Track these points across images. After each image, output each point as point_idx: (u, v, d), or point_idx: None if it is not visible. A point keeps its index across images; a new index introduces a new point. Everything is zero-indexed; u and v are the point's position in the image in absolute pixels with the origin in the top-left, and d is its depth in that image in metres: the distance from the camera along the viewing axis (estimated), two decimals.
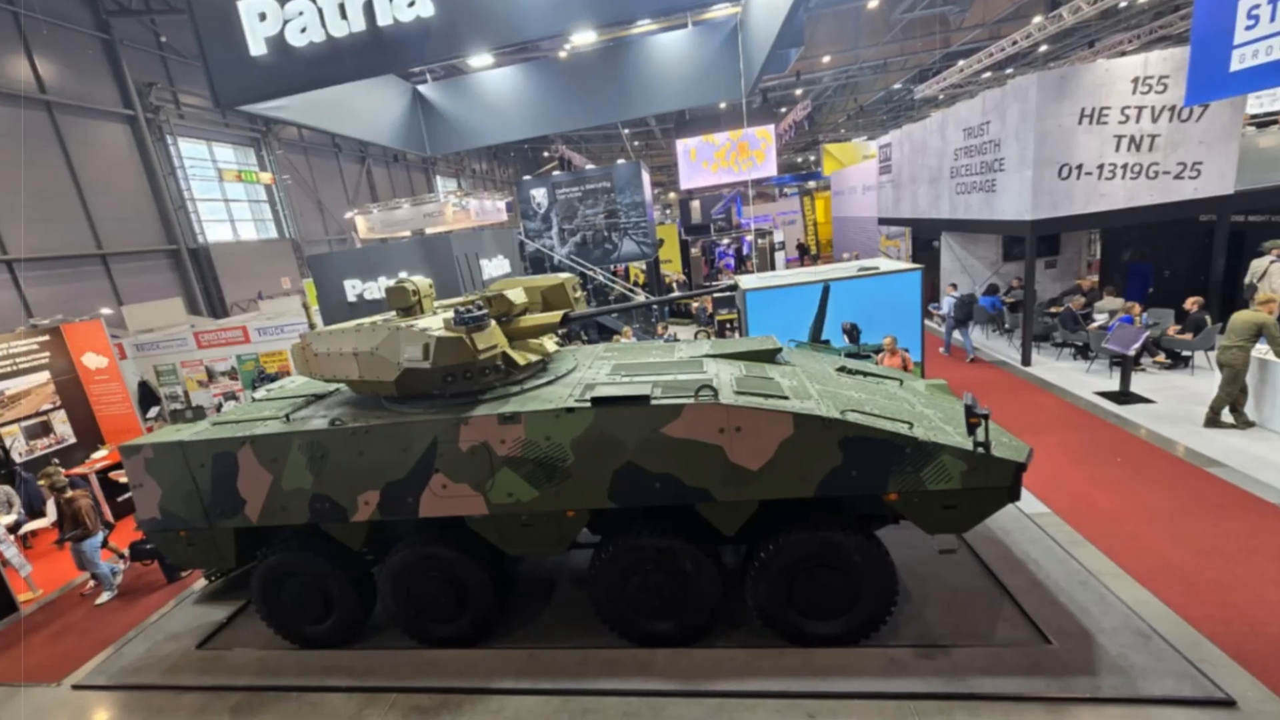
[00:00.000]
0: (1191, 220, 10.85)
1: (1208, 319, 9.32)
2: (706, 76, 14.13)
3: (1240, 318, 7.25)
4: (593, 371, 5.11)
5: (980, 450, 3.88)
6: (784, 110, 31.68)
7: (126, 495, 8.73)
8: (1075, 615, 4.46)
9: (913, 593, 4.96)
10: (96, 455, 9.64)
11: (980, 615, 4.64)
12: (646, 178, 19.40)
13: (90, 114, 16.92)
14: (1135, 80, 9.46)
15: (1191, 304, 9.43)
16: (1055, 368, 10.82)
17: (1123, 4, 18.72)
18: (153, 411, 11.70)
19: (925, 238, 16.60)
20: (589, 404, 4.23)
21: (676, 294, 17.88)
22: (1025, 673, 3.98)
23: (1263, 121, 13.15)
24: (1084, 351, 10.85)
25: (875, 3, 20.33)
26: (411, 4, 8.82)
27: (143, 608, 6.51)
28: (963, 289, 12.97)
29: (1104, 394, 9.12)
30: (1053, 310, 11.98)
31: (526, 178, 21.05)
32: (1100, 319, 10.43)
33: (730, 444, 4.09)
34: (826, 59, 24.62)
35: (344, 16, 8.96)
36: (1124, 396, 8.87)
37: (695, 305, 17.10)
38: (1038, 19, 18.02)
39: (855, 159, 26.56)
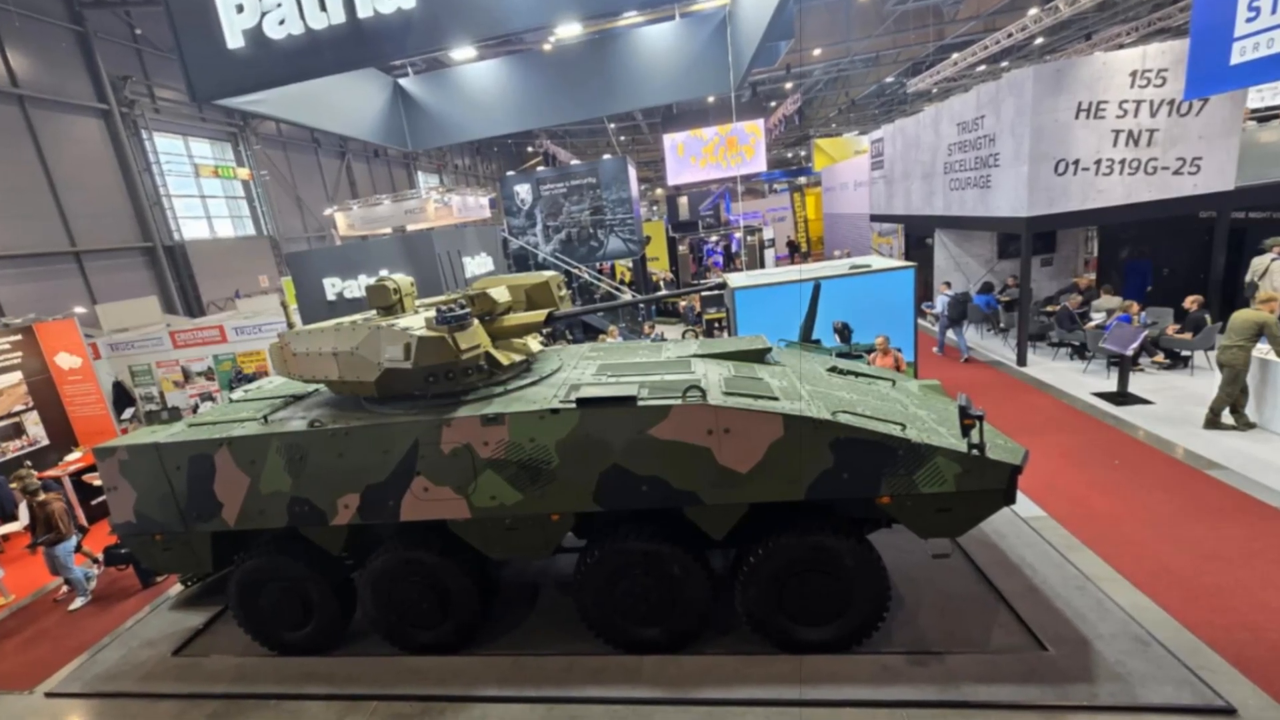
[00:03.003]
0: (1191, 217, 10.82)
1: (1207, 318, 9.26)
2: (694, 70, 13.96)
3: (1241, 317, 7.19)
4: (578, 372, 5.05)
5: (975, 452, 3.82)
6: (774, 104, 31.55)
7: (101, 498, 8.57)
8: (1072, 621, 4.40)
9: (906, 598, 4.90)
10: (70, 457, 9.54)
11: (975, 621, 4.58)
12: (633, 173, 19.25)
13: (63, 108, 16.55)
14: (1133, 74, 9.38)
15: (1191, 303, 9.37)
16: (1051, 368, 10.75)
17: None
18: (128, 413, 11.53)
19: (918, 235, 16.57)
20: (574, 405, 4.15)
21: (664, 292, 17.77)
22: (1021, 680, 3.93)
23: (1264, 116, 13.01)
24: (1081, 351, 10.79)
25: None
26: None
27: (117, 613, 6.42)
28: (957, 287, 12.90)
29: (1101, 395, 9.05)
30: (1049, 309, 11.93)
31: (510, 173, 20.90)
32: (1097, 318, 10.36)
33: (719, 446, 4.02)
34: (817, 52, 24.44)
35: (323, 8, 8.76)
36: (1122, 397, 8.81)
37: (683, 304, 16.99)
38: (1033, 11, 17.90)
39: (846, 154, 26.51)
